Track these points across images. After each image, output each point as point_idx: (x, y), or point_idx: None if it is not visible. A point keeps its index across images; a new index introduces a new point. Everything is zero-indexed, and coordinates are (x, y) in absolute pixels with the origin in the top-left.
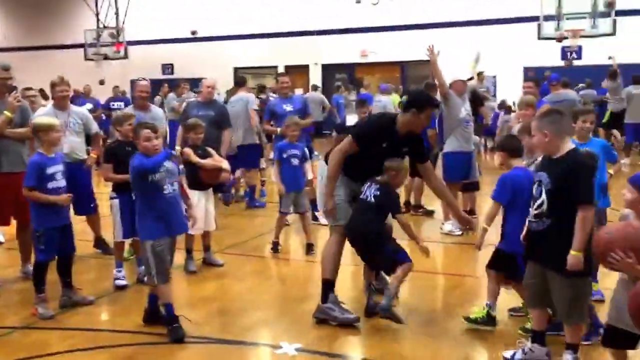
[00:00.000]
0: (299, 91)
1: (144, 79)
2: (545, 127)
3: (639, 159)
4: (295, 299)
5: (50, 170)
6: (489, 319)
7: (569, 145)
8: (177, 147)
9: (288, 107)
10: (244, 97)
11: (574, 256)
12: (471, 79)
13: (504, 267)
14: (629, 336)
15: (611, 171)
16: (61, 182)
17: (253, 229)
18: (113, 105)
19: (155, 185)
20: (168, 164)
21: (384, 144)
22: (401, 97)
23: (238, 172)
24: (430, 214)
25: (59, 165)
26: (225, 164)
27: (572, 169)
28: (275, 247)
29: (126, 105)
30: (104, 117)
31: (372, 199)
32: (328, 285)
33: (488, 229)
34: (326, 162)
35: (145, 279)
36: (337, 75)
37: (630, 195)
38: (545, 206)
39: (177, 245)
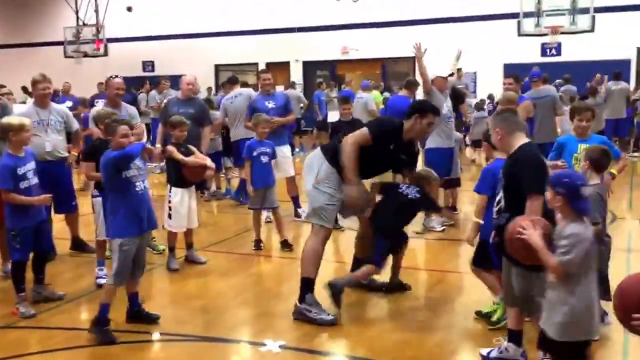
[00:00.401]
0: (280, 88)
1: (117, 76)
2: (497, 125)
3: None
4: (278, 296)
5: (21, 170)
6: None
7: (521, 141)
8: (158, 145)
9: (270, 104)
10: (244, 92)
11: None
12: (451, 75)
13: (489, 259)
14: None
15: (614, 171)
16: (33, 180)
17: (236, 226)
18: (97, 102)
19: (128, 181)
20: (138, 161)
21: (391, 146)
22: (382, 93)
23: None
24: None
25: (30, 163)
26: (209, 162)
27: (517, 162)
28: (258, 244)
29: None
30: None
31: (414, 197)
32: (307, 285)
33: (481, 222)
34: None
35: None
36: (319, 72)
37: (548, 195)
38: (502, 202)
39: (164, 243)
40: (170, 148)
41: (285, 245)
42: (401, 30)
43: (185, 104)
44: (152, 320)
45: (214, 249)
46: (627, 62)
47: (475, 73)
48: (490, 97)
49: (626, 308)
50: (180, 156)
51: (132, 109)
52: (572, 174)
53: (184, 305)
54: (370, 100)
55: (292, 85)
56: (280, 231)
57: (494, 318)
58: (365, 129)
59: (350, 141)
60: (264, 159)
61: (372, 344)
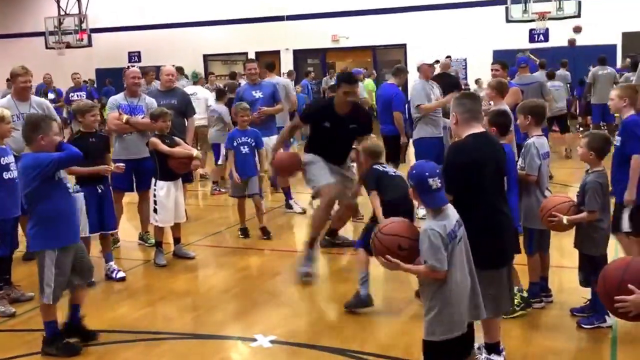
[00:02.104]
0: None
1: (133, 65)
2: (455, 109)
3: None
4: (269, 290)
5: (4, 160)
6: (526, 303)
7: (471, 130)
8: None
9: (257, 94)
10: (280, 80)
11: None
12: (437, 62)
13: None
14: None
15: None
16: (15, 172)
17: (224, 219)
18: (72, 96)
19: (59, 183)
20: None
21: (326, 123)
22: (374, 81)
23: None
24: None
25: (10, 156)
26: (195, 152)
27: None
28: (244, 232)
29: (87, 95)
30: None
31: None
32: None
33: None
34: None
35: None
36: (310, 61)
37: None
38: None
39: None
40: (154, 140)
41: (264, 232)
42: (391, 18)
43: (167, 95)
44: (89, 338)
45: (202, 243)
46: (613, 47)
47: (465, 60)
48: (478, 82)
49: (608, 292)
50: (165, 147)
51: (151, 100)
52: (424, 165)
53: (172, 301)
54: (362, 89)
55: (289, 74)
56: (259, 217)
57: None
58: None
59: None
60: (244, 149)
61: (365, 338)
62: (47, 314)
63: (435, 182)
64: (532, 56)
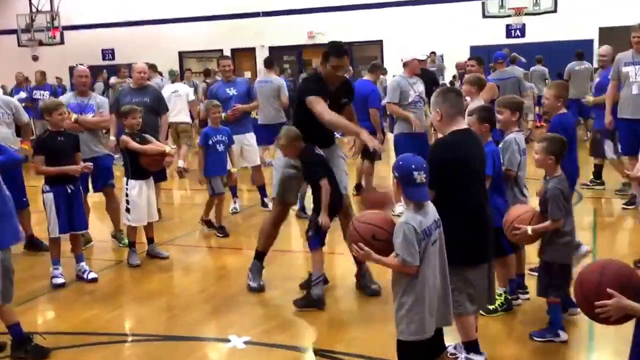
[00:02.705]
0: (247, 74)
1: (81, 64)
2: (439, 105)
3: (584, 134)
4: (244, 291)
5: None
6: (508, 304)
7: (455, 126)
8: (112, 137)
9: (231, 91)
10: (274, 79)
11: None
12: (428, 57)
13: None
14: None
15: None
16: None
17: (197, 218)
18: (35, 94)
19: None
20: None
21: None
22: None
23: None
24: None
25: None
26: (168, 148)
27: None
28: (222, 231)
29: (52, 94)
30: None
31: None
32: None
33: None
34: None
35: None
36: (286, 57)
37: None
38: None
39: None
40: (125, 138)
41: (220, 231)
42: (367, 14)
43: (139, 93)
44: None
45: (177, 242)
46: (589, 42)
47: (442, 55)
48: (455, 77)
49: (587, 297)
50: (136, 145)
51: (101, 98)
52: (411, 158)
53: (145, 302)
54: None
55: (283, 71)
56: (218, 216)
57: (492, 306)
58: (314, 97)
59: (320, 112)
60: (220, 147)
61: (339, 337)
62: (7, 318)
63: (420, 176)
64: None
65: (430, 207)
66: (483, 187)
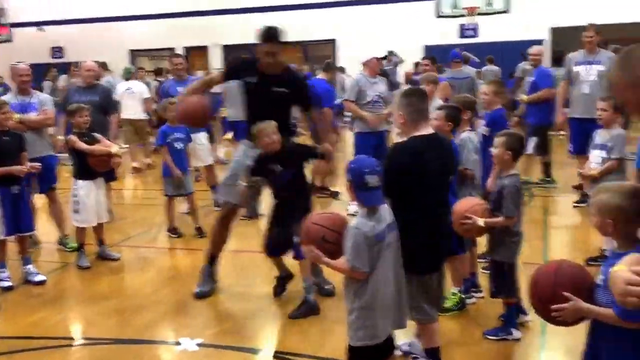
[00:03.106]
0: (199, 74)
1: (21, 62)
2: (401, 109)
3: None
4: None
5: None
6: (462, 303)
7: (417, 132)
8: (60, 137)
9: (182, 90)
10: None
11: None
12: (386, 57)
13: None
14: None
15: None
16: None
17: (151, 219)
18: None
19: None
20: None
21: (250, 79)
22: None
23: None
24: (335, 195)
25: None
26: (116, 148)
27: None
28: (174, 231)
29: None
30: None
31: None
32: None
33: None
34: None
35: None
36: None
37: None
38: None
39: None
40: (72, 138)
41: (199, 232)
42: (322, 13)
43: (88, 92)
44: None
45: (128, 243)
46: (541, 42)
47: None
48: (417, 65)
49: (542, 300)
50: (83, 145)
51: (44, 96)
52: (364, 160)
53: (95, 305)
54: None
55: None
56: (194, 217)
57: (446, 305)
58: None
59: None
60: (178, 145)
61: (294, 337)
62: None
63: (372, 180)
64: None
65: (384, 210)
66: (442, 193)
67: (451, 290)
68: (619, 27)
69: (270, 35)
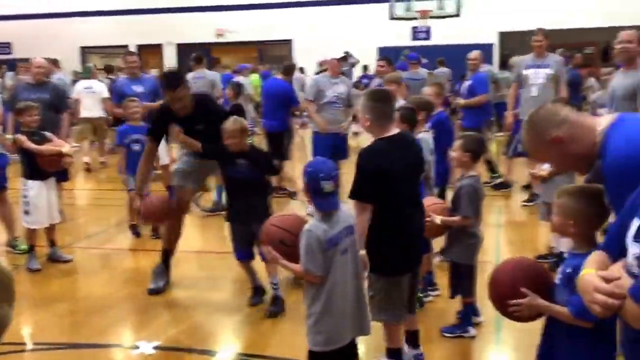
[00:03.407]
0: (153, 72)
1: None
2: (367, 112)
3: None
4: (153, 294)
5: None
6: (420, 303)
7: (384, 133)
8: (9, 136)
9: (138, 89)
10: (208, 74)
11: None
12: (344, 59)
13: None
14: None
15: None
16: None
17: (105, 219)
18: None
19: None
20: None
21: (169, 124)
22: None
23: None
24: (293, 195)
25: None
26: (67, 148)
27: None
28: (135, 230)
29: None
30: None
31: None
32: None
33: None
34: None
35: None
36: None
37: None
38: None
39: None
40: (20, 137)
41: (154, 232)
42: (277, 13)
43: (38, 89)
44: None
45: (81, 244)
46: (490, 46)
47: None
48: (366, 68)
49: (501, 296)
50: (32, 145)
51: None
52: (321, 165)
53: (47, 309)
54: (247, 84)
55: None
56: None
57: None
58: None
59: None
60: (136, 146)
61: (247, 339)
62: None
63: (329, 185)
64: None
65: (341, 215)
66: (412, 193)
67: None
68: (565, 32)
69: (172, 83)
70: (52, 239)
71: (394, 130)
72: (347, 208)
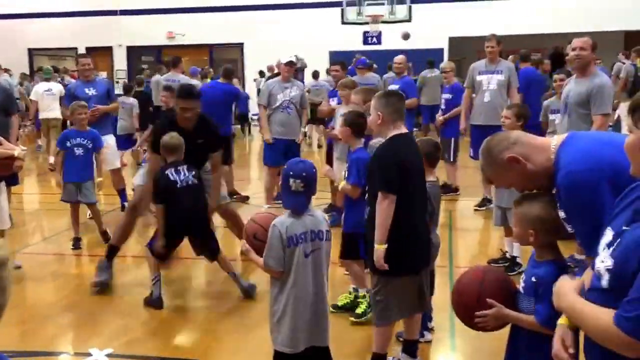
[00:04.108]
0: (103, 74)
1: None
2: (381, 108)
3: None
4: (105, 300)
5: None
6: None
7: (397, 130)
8: None
9: (91, 91)
10: (181, 78)
11: (375, 249)
12: (291, 62)
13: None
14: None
15: None
16: None
17: (55, 225)
18: None
19: None
20: None
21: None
22: (211, 79)
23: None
24: (245, 199)
25: None
26: (18, 151)
27: (374, 158)
28: (77, 243)
29: None
30: None
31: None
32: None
33: None
34: None
35: None
36: (144, 58)
37: None
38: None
39: None
40: None
41: (105, 237)
42: (228, 16)
43: None
44: None
45: (30, 250)
46: (440, 51)
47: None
48: (315, 74)
49: (466, 306)
50: None
51: None
52: (294, 165)
53: None
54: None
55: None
56: (98, 225)
57: (359, 310)
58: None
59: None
60: (78, 150)
61: (202, 344)
62: None
63: (295, 184)
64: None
65: (312, 219)
66: (424, 192)
67: (360, 292)
68: (515, 38)
69: (186, 93)
70: None
71: (404, 129)
72: (322, 215)
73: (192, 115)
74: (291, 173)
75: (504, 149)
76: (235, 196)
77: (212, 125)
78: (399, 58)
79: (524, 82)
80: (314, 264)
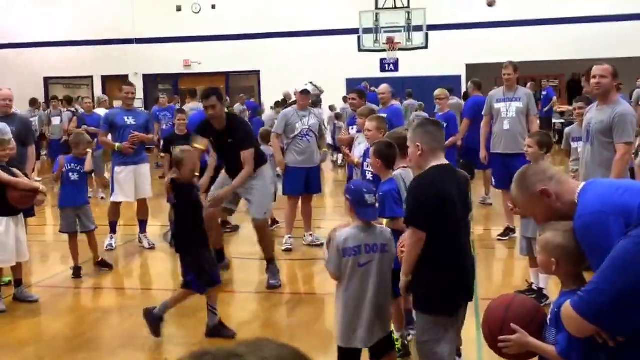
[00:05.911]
0: (117, 104)
1: None
2: (420, 139)
3: None
4: (124, 334)
5: None
6: (405, 350)
7: (436, 161)
8: None
9: (129, 120)
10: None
11: (401, 280)
12: (306, 91)
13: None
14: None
15: None
16: None
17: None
18: None
19: None
20: None
21: (211, 137)
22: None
23: None
24: (236, 229)
25: None
26: (41, 186)
27: (410, 189)
28: (77, 272)
29: None
30: None
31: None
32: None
33: None
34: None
35: None
36: (161, 86)
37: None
38: None
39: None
40: None
41: (103, 265)
42: (245, 44)
43: (4, 122)
44: None
45: (47, 283)
46: (458, 78)
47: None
48: (332, 108)
49: (490, 330)
50: (7, 177)
51: None
52: (361, 183)
53: (11, 352)
54: None
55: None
56: (93, 251)
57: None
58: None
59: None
60: (74, 176)
61: None
62: None
63: (370, 198)
64: (369, 87)
65: (370, 231)
66: (467, 224)
67: (393, 335)
68: (531, 65)
69: (205, 93)
70: (19, 278)
71: (444, 160)
72: (381, 229)
73: (214, 113)
74: (365, 190)
75: (539, 180)
76: (227, 226)
77: (241, 125)
78: (383, 87)
79: (472, 110)
80: (366, 273)
